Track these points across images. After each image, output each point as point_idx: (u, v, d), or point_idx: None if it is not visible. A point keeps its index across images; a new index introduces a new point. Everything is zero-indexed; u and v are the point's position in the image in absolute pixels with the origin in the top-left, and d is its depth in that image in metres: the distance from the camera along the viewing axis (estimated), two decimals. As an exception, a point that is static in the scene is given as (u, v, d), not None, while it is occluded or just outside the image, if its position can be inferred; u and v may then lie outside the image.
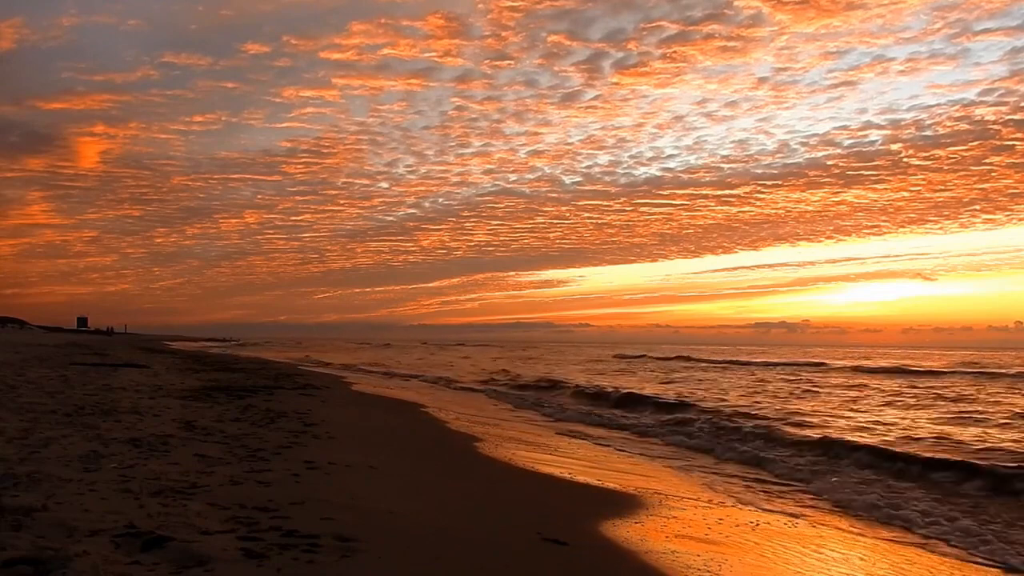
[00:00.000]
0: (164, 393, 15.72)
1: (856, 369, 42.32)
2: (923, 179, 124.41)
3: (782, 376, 36.75)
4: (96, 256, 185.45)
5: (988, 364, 50.45)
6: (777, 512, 8.51)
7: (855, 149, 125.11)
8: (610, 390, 25.38)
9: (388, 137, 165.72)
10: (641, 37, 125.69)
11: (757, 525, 7.63)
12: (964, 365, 47.40)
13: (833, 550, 6.91)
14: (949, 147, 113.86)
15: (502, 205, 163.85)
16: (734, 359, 58.16)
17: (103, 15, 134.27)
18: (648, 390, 25.85)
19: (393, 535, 5.47)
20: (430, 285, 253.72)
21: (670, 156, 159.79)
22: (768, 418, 17.17)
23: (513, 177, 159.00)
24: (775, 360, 56.24)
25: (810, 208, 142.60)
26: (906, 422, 17.03)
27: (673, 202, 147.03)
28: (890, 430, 15.50)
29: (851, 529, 7.97)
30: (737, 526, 7.50)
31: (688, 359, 59.20)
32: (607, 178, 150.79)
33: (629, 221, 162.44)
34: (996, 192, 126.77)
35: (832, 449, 12.91)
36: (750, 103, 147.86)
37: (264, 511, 5.73)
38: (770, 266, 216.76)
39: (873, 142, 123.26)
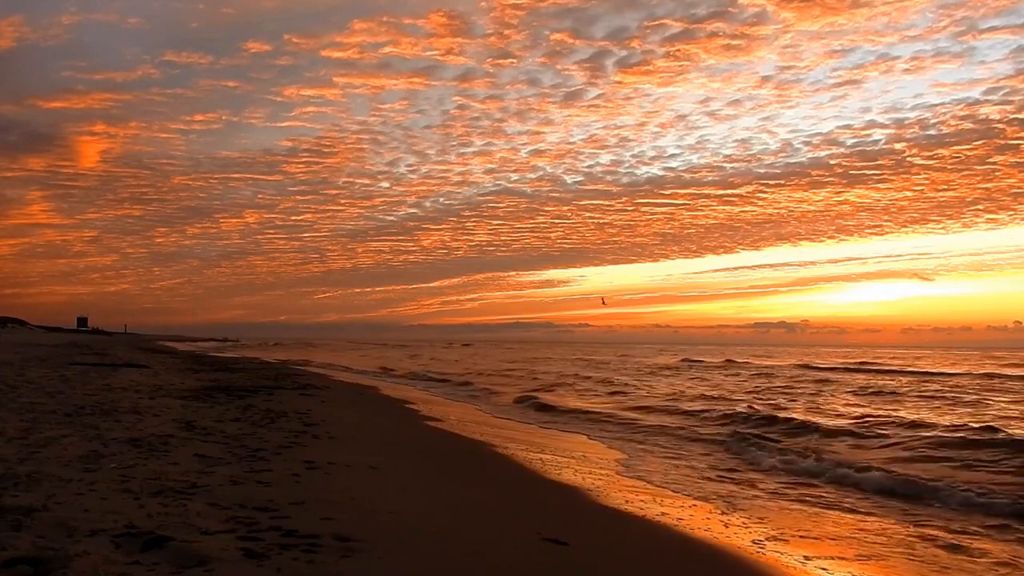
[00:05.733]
0: (164, 393, 15.72)
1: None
2: (926, 178, 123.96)
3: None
4: (96, 256, 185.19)
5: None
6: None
7: (858, 148, 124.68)
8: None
9: (389, 136, 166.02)
10: (644, 35, 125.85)
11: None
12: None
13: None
14: (953, 146, 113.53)
15: (503, 205, 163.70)
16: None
17: (103, 13, 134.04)
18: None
19: (393, 535, 5.47)
20: (431, 285, 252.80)
21: (672, 155, 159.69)
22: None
23: (515, 176, 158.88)
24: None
25: (812, 208, 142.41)
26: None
27: (675, 202, 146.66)
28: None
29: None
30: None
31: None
32: (609, 177, 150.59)
33: (631, 221, 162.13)
34: (999, 192, 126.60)
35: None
36: (753, 102, 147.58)
37: (264, 511, 5.73)
38: (771, 266, 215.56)
39: (877, 141, 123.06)
